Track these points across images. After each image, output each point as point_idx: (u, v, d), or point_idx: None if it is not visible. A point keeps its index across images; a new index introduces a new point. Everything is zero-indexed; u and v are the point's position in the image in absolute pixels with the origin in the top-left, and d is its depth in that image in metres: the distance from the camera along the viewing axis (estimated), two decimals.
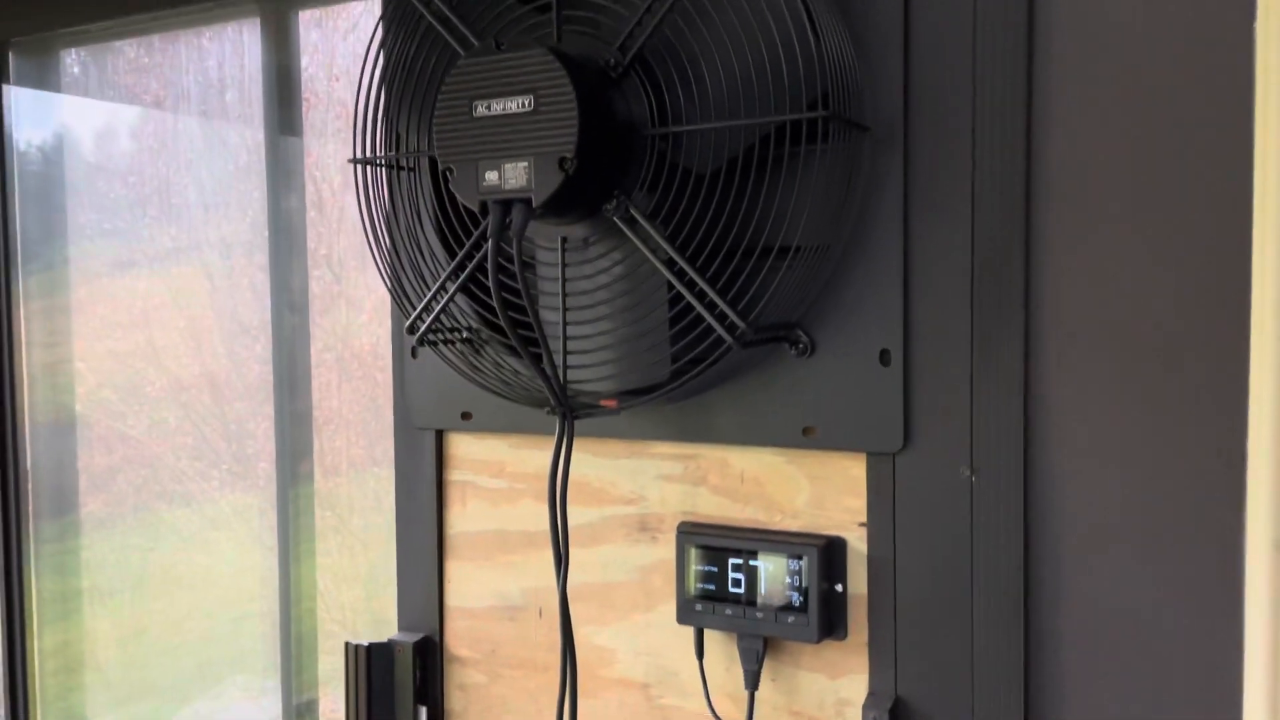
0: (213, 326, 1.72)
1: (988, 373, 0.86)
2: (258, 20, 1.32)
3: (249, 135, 1.50)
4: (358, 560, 1.66)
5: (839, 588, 0.93)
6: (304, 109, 1.42)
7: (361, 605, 1.66)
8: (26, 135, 1.54)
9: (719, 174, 0.86)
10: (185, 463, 1.78)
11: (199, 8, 1.27)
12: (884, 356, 0.89)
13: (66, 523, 1.71)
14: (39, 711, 1.65)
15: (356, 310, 1.60)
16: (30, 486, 1.63)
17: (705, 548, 0.96)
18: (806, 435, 0.92)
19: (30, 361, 1.63)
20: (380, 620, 1.56)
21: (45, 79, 1.50)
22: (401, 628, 1.14)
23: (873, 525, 0.91)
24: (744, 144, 0.85)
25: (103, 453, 1.76)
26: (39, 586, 1.66)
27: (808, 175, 0.84)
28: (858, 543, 0.92)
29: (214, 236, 1.64)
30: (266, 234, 1.49)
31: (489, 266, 0.82)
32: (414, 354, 1.11)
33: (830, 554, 0.93)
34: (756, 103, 0.83)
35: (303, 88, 1.41)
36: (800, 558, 0.92)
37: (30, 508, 1.62)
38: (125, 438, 1.76)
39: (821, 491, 0.94)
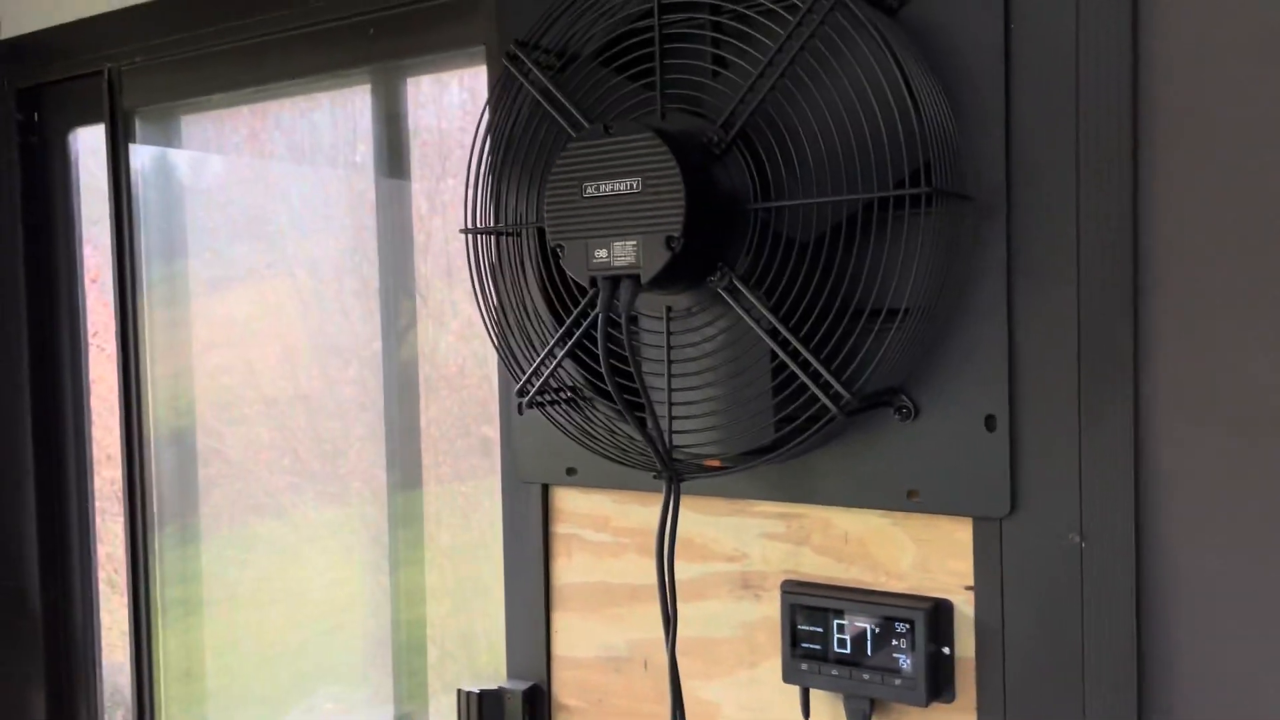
0: (306, 347, 1.80)
1: (1096, 439, 0.86)
2: (369, 86, 1.38)
3: (355, 178, 1.57)
4: (445, 575, 1.70)
5: (946, 651, 0.93)
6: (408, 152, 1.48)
7: (449, 620, 1.70)
8: (146, 164, 1.63)
9: (821, 241, 0.87)
10: (277, 477, 1.85)
11: (315, 79, 1.33)
12: (989, 422, 0.89)
13: (182, 531, 1.77)
14: (162, 717, 1.71)
15: (443, 330, 1.65)
16: (155, 498, 1.69)
17: (810, 607, 0.98)
18: (911, 498, 0.93)
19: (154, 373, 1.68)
20: (467, 635, 1.60)
21: (168, 140, 1.59)
22: (510, 675, 1.18)
23: (980, 589, 0.91)
24: (846, 213, 0.86)
25: (205, 466, 1.83)
26: (162, 595, 1.71)
27: (911, 241, 0.84)
28: (965, 606, 0.92)
29: (307, 261, 1.71)
30: (362, 261, 1.54)
31: (599, 344, 0.85)
32: (520, 410, 1.14)
33: (937, 617, 0.93)
34: (859, 174, 0.85)
35: (407, 135, 1.47)
36: (907, 620, 0.93)
37: (155, 518, 1.67)
38: (218, 452, 1.84)
39: (927, 554, 0.94)
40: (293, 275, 1.82)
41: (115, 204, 1.50)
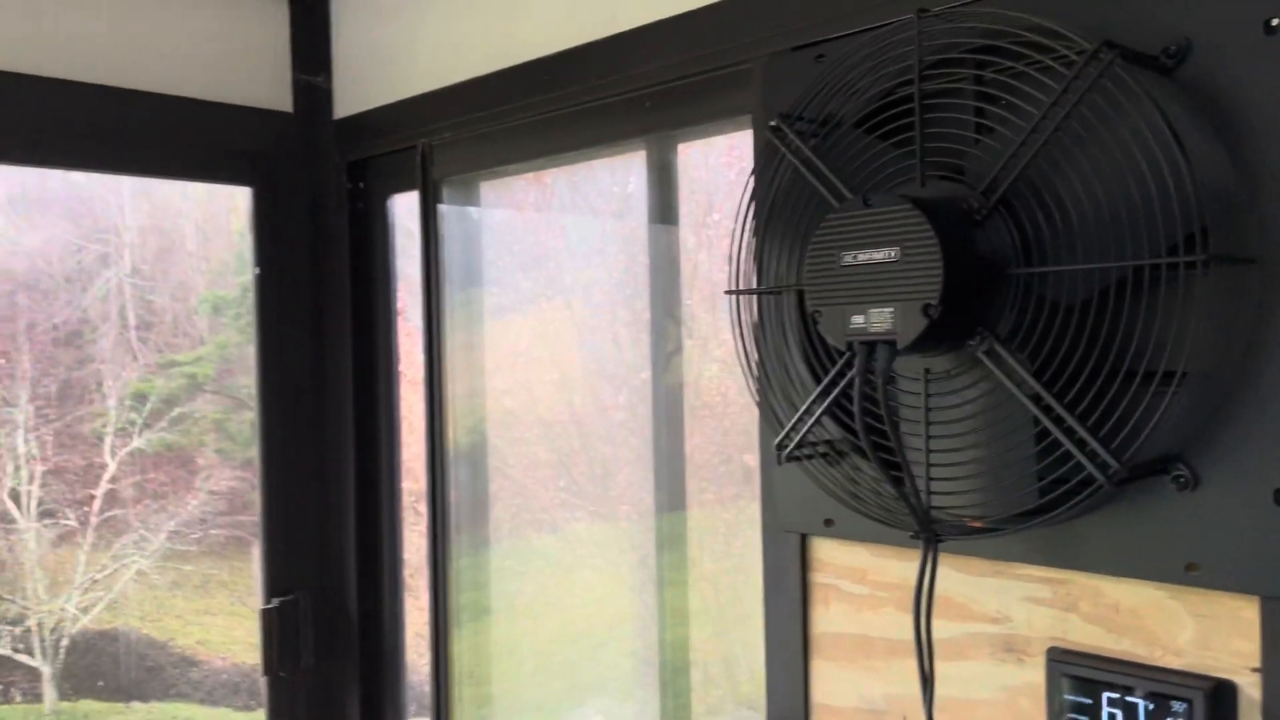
0: (580, 373, 1.93)
1: None
2: (644, 152, 1.48)
3: (629, 223, 1.69)
4: (707, 599, 1.76)
5: None
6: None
7: (712, 644, 1.75)
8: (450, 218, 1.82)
9: (1088, 304, 0.86)
10: (553, 494, 1.98)
11: (596, 149, 1.45)
12: (1278, 496, 0.84)
13: (473, 541, 1.93)
14: (455, 717, 1.86)
15: (707, 360, 1.72)
16: (454, 510, 1.84)
17: (1080, 678, 0.95)
18: (1189, 571, 0.89)
19: (455, 403, 1.85)
20: (729, 659, 1.64)
21: (468, 200, 1.78)
22: (770, 717, 1.22)
23: (1269, 672, 0.86)
24: (1115, 276, 0.84)
25: (507, 486, 1.98)
26: (458, 604, 1.87)
27: (1186, 304, 0.81)
28: (1250, 689, 0.87)
29: (583, 293, 1.84)
30: (633, 295, 1.63)
31: (855, 409, 0.88)
32: (779, 461, 1.19)
33: (1219, 698, 0.88)
34: (1128, 238, 0.83)
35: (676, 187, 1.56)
36: (1185, 699, 0.89)
37: (454, 535, 1.83)
38: (500, 470, 2.00)
39: (1208, 631, 0.89)
40: (570, 307, 1.96)
41: (425, 259, 1.69)
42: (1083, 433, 0.84)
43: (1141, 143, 0.81)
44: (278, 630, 1.77)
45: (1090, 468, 0.84)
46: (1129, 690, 0.92)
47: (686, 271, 1.71)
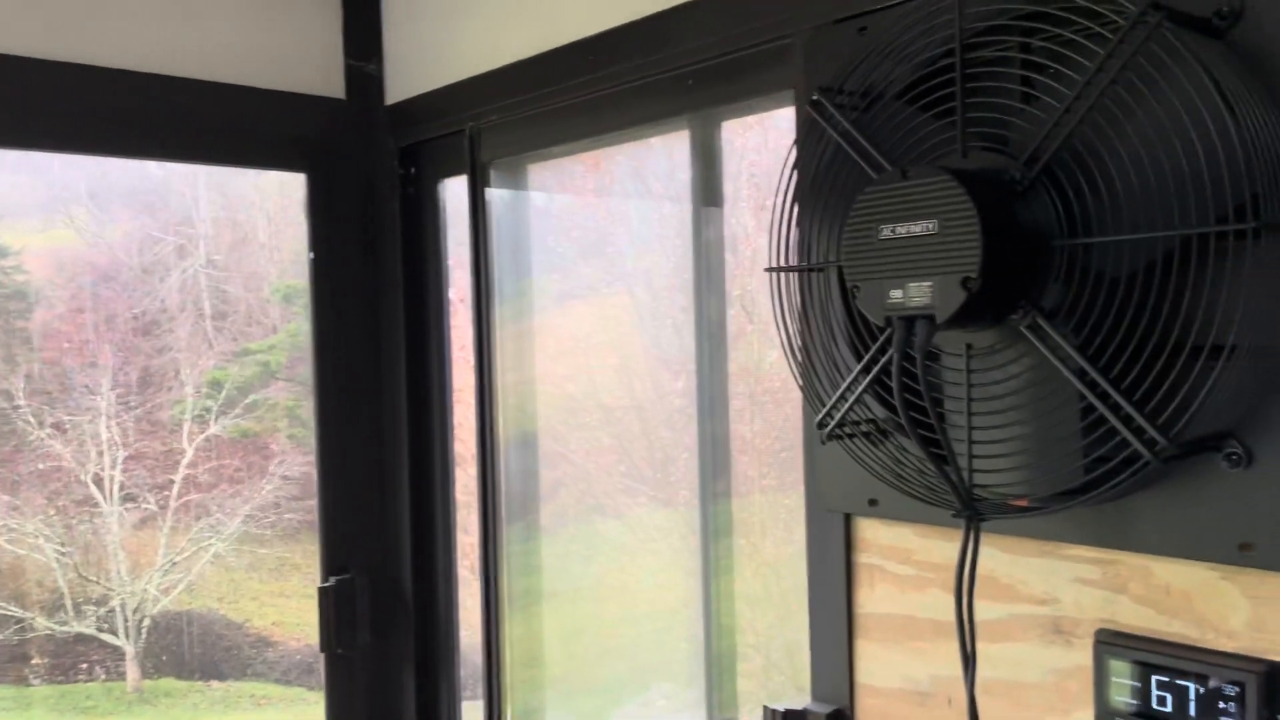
0: (640, 359, 1.93)
1: None
2: (687, 132, 1.47)
3: (677, 207, 1.68)
4: (769, 585, 1.75)
5: None
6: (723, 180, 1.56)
7: (775, 630, 1.74)
8: (499, 204, 1.83)
9: (1134, 276, 0.83)
10: (615, 480, 1.99)
11: (640, 128, 1.45)
12: None
13: (528, 529, 1.95)
14: (508, 699, 1.89)
15: (769, 345, 1.70)
16: (504, 496, 1.87)
17: (1129, 661, 0.93)
18: (1244, 551, 0.86)
19: (504, 385, 1.87)
20: (791, 645, 1.63)
21: (516, 183, 1.79)
22: (815, 697, 1.21)
23: None
24: (1162, 248, 0.82)
25: (548, 468, 2.00)
26: (509, 586, 1.89)
27: (1237, 275, 0.78)
28: None
29: (642, 280, 1.84)
30: (689, 277, 1.63)
31: (894, 383, 0.86)
32: (822, 440, 1.17)
33: (1273, 682, 0.85)
34: (1176, 207, 0.80)
35: (722, 164, 1.54)
36: (1238, 683, 0.86)
37: (504, 515, 1.85)
38: (564, 455, 2.01)
39: (1263, 613, 0.86)
40: (631, 292, 1.97)
41: (474, 243, 1.70)
42: (1129, 408, 0.82)
43: (1190, 108, 0.79)
44: (334, 608, 1.81)
45: (1137, 444, 0.81)
46: (1180, 674, 0.89)
47: (747, 254, 1.69)
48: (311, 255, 1.82)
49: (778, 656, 1.76)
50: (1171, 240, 0.81)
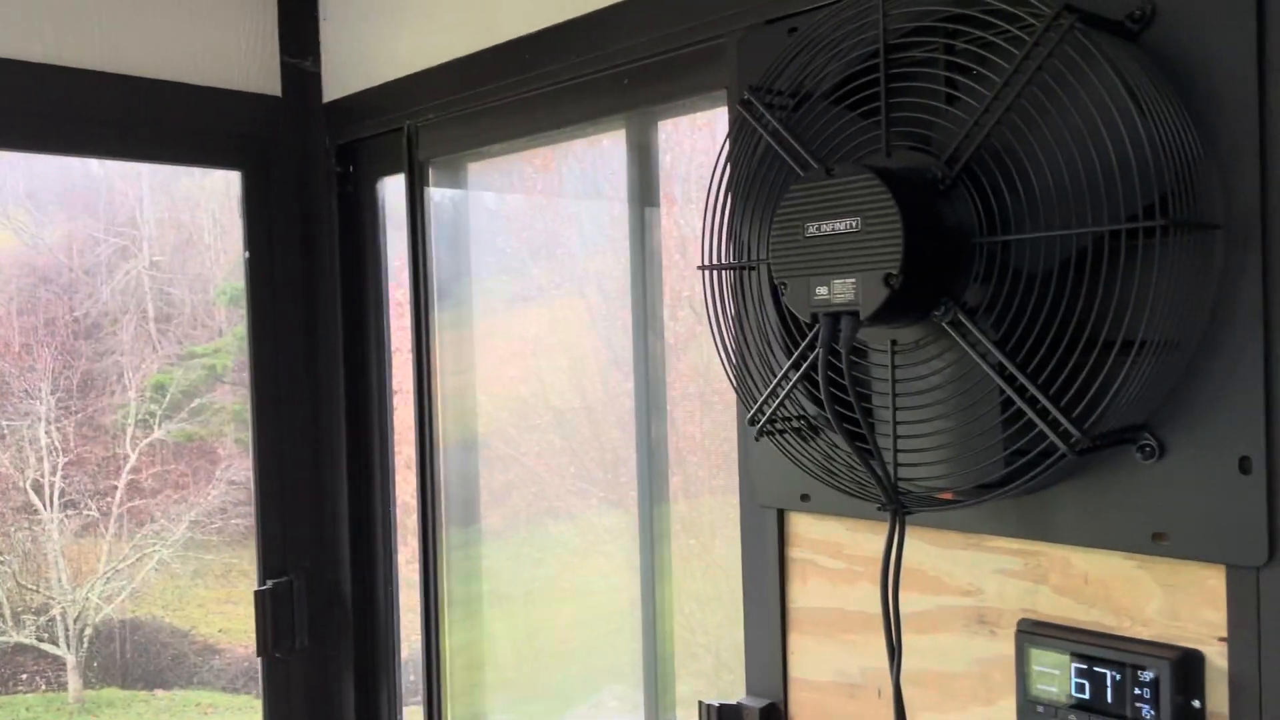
0: (590, 360, 1.92)
1: None
2: (624, 131, 1.48)
3: (613, 207, 1.68)
4: (719, 585, 1.76)
5: (1196, 704, 0.87)
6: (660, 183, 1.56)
7: (725, 629, 1.75)
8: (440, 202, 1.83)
9: (1050, 274, 0.85)
10: (566, 482, 1.98)
11: (578, 127, 1.45)
12: (1244, 464, 0.83)
13: (470, 533, 1.94)
14: (449, 705, 1.88)
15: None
16: (444, 499, 1.86)
17: (1048, 650, 0.95)
18: (1157, 541, 0.88)
19: (444, 387, 1.86)
20: (740, 644, 1.64)
21: (456, 182, 1.78)
22: (749, 692, 1.22)
23: (1234, 641, 0.85)
24: (1077, 245, 0.84)
25: (500, 471, 1.99)
26: (449, 590, 1.88)
27: (1147, 272, 0.81)
28: (1217, 658, 0.86)
29: (592, 280, 1.83)
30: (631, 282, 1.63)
31: (820, 378, 0.88)
32: (755, 437, 1.19)
33: (1186, 668, 0.88)
34: (1089, 206, 0.82)
35: (659, 164, 1.55)
36: (1153, 669, 0.88)
37: (444, 518, 1.84)
38: (515, 458, 2.00)
39: (1175, 601, 0.89)
40: (581, 294, 1.96)
41: (413, 242, 1.69)
42: (1045, 402, 0.84)
43: (1103, 108, 0.81)
44: (271, 612, 1.79)
45: (1053, 437, 0.83)
46: (1098, 662, 0.91)
47: (695, 254, 1.69)
48: (247, 254, 1.80)
49: (728, 656, 1.77)
50: (1085, 238, 0.83)
